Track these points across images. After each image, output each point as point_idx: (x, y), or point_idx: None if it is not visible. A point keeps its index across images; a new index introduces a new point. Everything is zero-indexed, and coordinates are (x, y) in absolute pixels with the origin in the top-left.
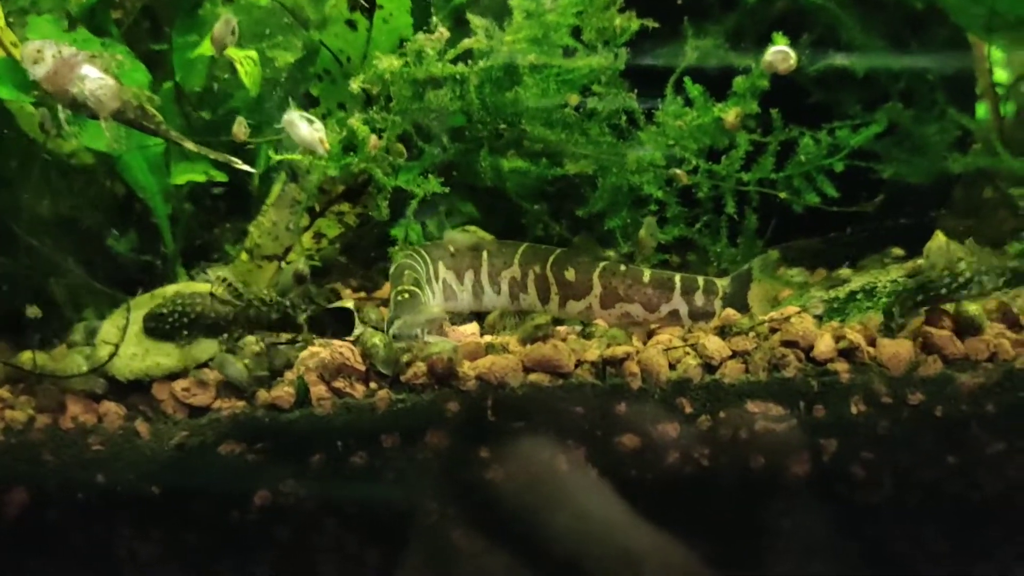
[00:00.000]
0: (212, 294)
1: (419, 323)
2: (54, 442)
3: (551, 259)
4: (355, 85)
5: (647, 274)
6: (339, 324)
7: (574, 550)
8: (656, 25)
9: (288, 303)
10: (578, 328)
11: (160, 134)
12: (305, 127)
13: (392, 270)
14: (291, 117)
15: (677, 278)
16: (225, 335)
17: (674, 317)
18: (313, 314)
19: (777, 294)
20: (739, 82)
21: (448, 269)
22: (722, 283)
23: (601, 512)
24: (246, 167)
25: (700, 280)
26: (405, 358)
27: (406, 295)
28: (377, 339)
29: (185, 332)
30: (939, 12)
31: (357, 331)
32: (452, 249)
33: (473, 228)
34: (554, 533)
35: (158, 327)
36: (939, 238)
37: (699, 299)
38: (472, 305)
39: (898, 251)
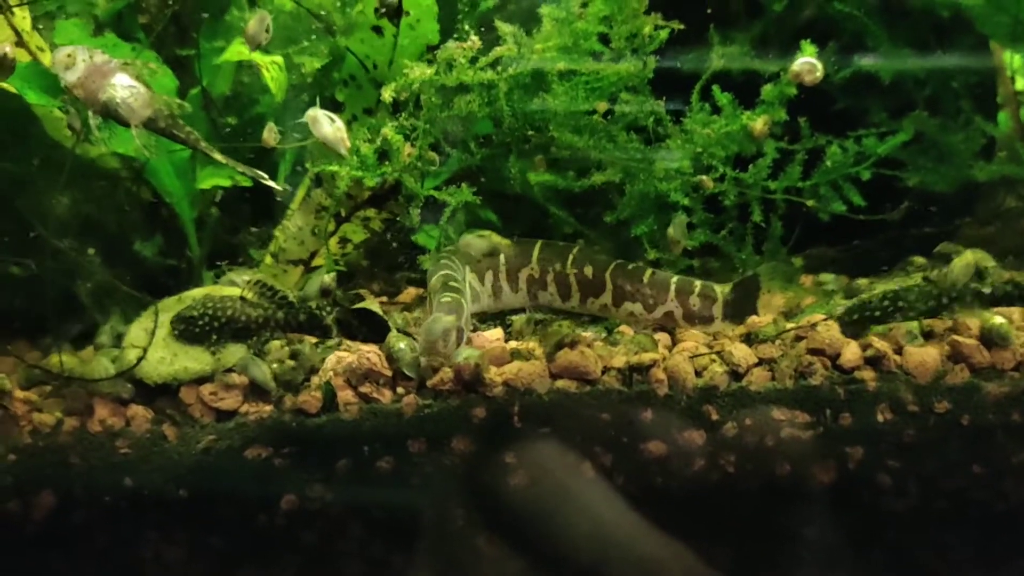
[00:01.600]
0: (242, 298)
1: (438, 332)
2: (82, 445)
3: (571, 256)
4: (387, 94)
5: (647, 274)
6: (369, 327)
7: (599, 557)
8: (683, 28)
9: (315, 305)
10: (603, 334)
11: (189, 144)
12: (328, 125)
13: (432, 278)
14: (315, 114)
15: (673, 280)
16: (254, 338)
17: (669, 318)
18: (340, 316)
19: (800, 302)
20: (768, 90)
21: (472, 272)
22: (722, 289)
23: (626, 519)
24: (272, 183)
25: (697, 284)
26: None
27: (447, 298)
28: (403, 343)
29: (215, 336)
30: (964, 20)
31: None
32: (473, 253)
33: (488, 232)
34: (579, 540)
35: (188, 330)
36: (967, 257)
37: (695, 303)
38: (493, 305)
39: (920, 260)
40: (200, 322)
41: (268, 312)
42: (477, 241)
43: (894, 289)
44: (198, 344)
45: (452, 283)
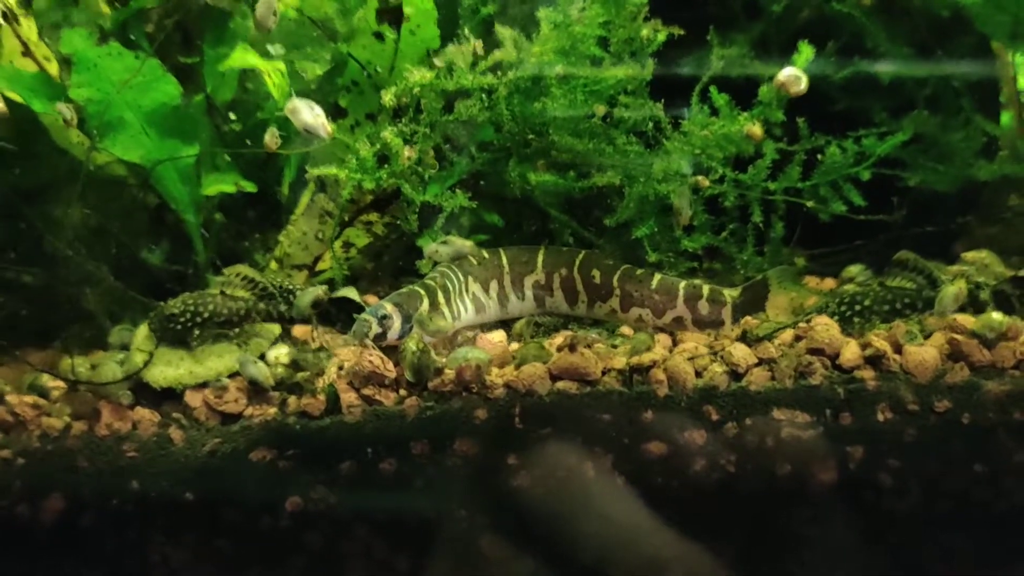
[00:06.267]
0: (222, 291)
1: (376, 317)
2: (89, 449)
3: (578, 261)
4: (387, 98)
5: (655, 280)
6: (348, 315)
7: (602, 558)
8: (682, 32)
9: (297, 291)
10: (604, 335)
11: None
12: (307, 113)
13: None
14: (293, 104)
15: (681, 285)
16: (237, 330)
17: (678, 324)
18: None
19: (801, 303)
20: (764, 91)
21: (475, 282)
22: (731, 293)
23: (628, 520)
24: None
25: (705, 289)
26: (437, 364)
27: (404, 291)
28: (412, 344)
29: (197, 332)
30: (964, 20)
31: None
32: (474, 261)
33: (451, 237)
34: (581, 541)
35: (169, 328)
36: (959, 286)
37: (704, 308)
38: (499, 314)
39: (906, 255)
40: (181, 319)
41: (249, 304)
42: (442, 248)
43: (852, 293)
44: (180, 342)
45: (429, 279)
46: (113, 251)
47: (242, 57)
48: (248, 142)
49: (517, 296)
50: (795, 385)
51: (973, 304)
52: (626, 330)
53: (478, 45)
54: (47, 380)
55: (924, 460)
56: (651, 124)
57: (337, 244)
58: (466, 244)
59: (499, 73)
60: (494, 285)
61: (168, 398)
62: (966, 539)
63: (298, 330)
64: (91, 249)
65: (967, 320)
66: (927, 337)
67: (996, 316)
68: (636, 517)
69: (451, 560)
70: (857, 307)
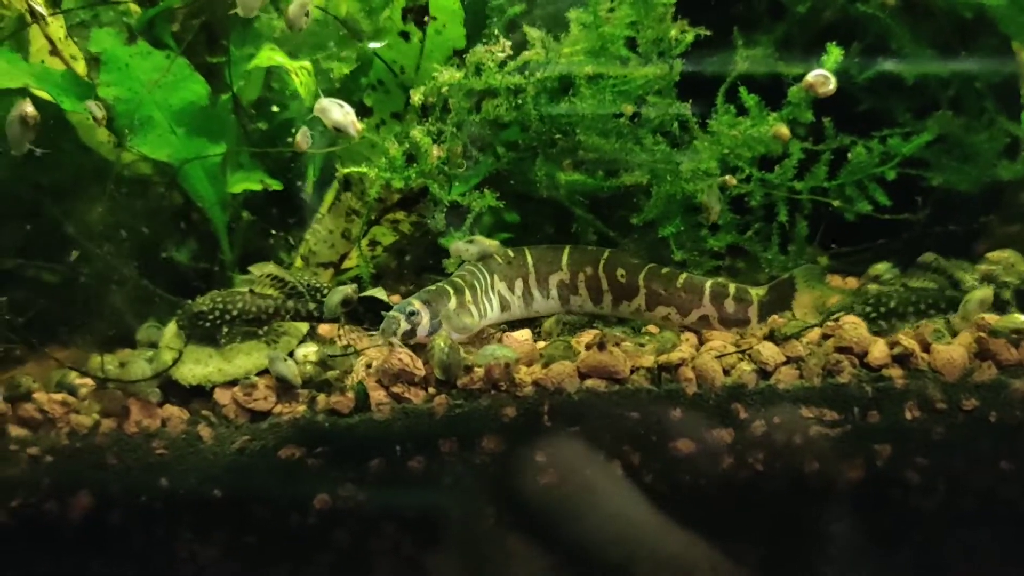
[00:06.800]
0: (251, 290)
1: (404, 314)
2: (118, 446)
3: (603, 260)
4: (416, 98)
5: (682, 278)
6: (375, 315)
7: (629, 556)
8: (708, 34)
9: (325, 290)
10: (629, 334)
11: None
12: (337, 111)
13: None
14: (322, 104)
15: (707, 284)
16: (265, 328)
17: (704, 322)
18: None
19: (825, 302)
20: (794, 91)
21: (501, 280)
22: (757, 292)
23: (656, 518)
24: None
25: (731, 287)
26: (467, 361)
27: (432, 288)
28: (440, 341)
29: (225, 329)
30: (988, 21)
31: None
32: (464, 258)
33: (477, 236)
34: (609, 539)
35: (198, 326)
36: (986, 293)
37: (730, 306)
38: (524, 312)
39: (930, 257)
40: (210, 316)
41: (278, 302)
42: (466, 247)
43: (876, 293)
44: (209, 340)
45: (456, 277)
46: (139, 249)
47: (269, 56)
48: (274, 141)
49: (542, 295)
50: (823, 383)
51: (996, 304)
52: (652, 329)
53: (507, 45)
54: (75, 378)
55: (952, 458)
56: (677, 124)
57: (364, 242)
58: (492, 244)
59: (527, 73)
60: (519, 284)
61: (197, 396)
62: (993, 537)
63: (324, 328)
64: (118, 247)
65: (993, 319)
66: (954, 336)
67: (1019, 316)
68: (664, 516)
69: (479, 558)
70: (882, 308)
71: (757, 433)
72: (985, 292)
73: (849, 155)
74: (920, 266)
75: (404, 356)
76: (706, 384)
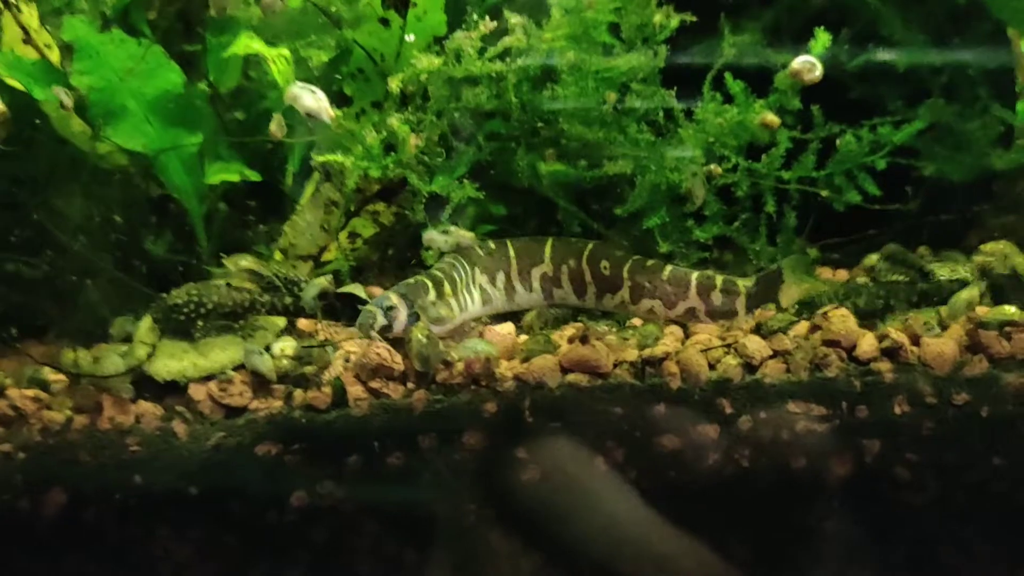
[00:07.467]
0: (228, 283)
1: (382, 308)
2: (91, 443)
3: (586, 252)
4: (394, 85)
5: (667, 270)
6: (352, 310)
7: (612, 553)
8: (694, 20)
9: (302, 283)
10: (613, 328)
11: None
12: (309, 98)
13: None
14: (294, 91)
15: (693, 276)
16: (241, 322)
17: (691, 315)
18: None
19: (807, 294)
20: (781, 78)
21: (482, 273)
22: (744, 283)
23: (639, 515)
24: None
25: (718, 279)
26: (445, 355)
27: (410, 281)
28: (418, 332)
29: (200, 323)
30: (980, 6)
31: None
32: (481, 252)
33: (452, 227)
34: (591, 535)
35: (173, 319)
36: (972, 293)
37: (717, 298)
38: (506, 306)
39: (924, 251)
40: (185, 310)
41: (254, 296)
42: (440, 237)
43: (846, 290)
44: (184, 334)
45: (435, 270)
46: (114, 241)
47: (246, 44)
48: (253, 131)
49: (524, 288)
50: (811, 378)
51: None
52: (636, 322)
53: (489, 26)
54: (48, 373)
55: (942, 453)
56: (662, 112)
57: (343, 235)
58: (467, 235)
59: (508, 60)
60: (501, 276)
61: (171, 391)
62: (984, 533)
63: (303, 323)
64: (92, 239)
65: (983, 311)
66: (944, 329)
67: (1009, 309)
68: (647, 512)
69: (459, 555)
70: (853, 304)
71: (743, 428)
72: (971, 292)
73: (838, 143)
74: (887, 258)
75: (382, 350)
76: (691, 378)
